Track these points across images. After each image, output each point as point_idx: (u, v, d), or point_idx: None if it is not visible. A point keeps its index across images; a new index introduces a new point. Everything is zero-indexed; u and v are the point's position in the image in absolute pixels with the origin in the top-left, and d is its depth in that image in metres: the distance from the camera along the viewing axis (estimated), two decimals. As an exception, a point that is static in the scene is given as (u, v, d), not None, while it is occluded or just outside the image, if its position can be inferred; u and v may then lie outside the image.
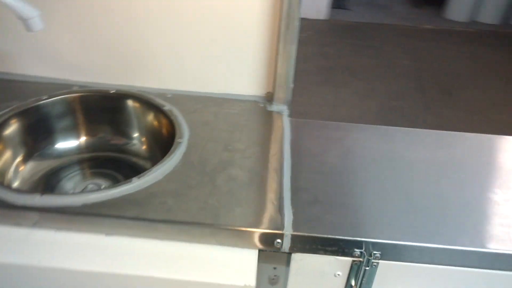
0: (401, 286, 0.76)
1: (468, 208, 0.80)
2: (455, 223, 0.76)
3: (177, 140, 0.91)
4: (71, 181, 0.97)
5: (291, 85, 1.03)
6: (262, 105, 1.06)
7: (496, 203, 0.81)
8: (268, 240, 0.72)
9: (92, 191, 0.76)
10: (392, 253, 0.72)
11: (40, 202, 0.73)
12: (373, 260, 0.71)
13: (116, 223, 0.72)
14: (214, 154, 0.88)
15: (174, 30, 1.02)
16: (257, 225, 0.72)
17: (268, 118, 1.03)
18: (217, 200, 0.77)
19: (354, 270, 0.74)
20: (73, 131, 1.04)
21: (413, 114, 1.11)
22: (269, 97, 1.07)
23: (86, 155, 1.03)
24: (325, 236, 0.71)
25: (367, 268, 0.72)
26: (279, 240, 0.72)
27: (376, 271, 0.73)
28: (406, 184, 0.84)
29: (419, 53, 1.48)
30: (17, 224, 0.73)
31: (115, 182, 0.97)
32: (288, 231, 0.71)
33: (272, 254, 0.75)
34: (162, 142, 0.97)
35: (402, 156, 0.92)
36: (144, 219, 0.72)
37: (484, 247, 0.71)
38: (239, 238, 0.72)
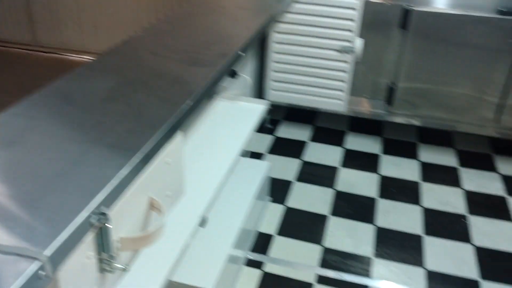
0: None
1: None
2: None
3: None
4: None
5: None
6: None
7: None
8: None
9: None
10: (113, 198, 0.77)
11: None
12: (107, 212, 0.74)
13: None
14: None
15: None
16: None
17: None
18: None
19: (98, 239, 0.75)
20: None
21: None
22: None
23: None
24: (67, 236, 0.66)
25: (108, 225, 0.74)
26: (41, 272, 0.61)
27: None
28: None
29: None
30: None
31: None
32: (42, 255, 0.61)
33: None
34: None
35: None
36: None
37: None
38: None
